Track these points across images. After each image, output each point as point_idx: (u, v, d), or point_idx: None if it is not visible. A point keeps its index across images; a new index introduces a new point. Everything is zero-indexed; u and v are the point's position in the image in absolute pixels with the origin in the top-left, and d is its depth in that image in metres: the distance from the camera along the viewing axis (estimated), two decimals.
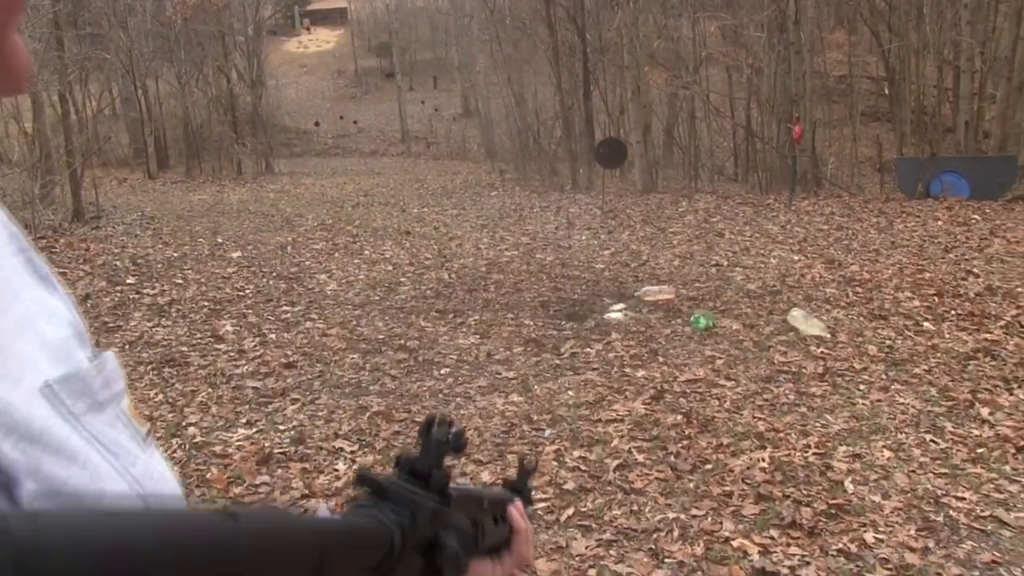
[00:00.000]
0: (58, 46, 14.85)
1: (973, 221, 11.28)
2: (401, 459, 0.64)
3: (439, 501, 0.63)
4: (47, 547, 0.35)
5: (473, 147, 34.28)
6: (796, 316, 6.93)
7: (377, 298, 8.55)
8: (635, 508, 3.96)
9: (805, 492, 4.09)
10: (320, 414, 5.36)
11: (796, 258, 9.51)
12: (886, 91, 23.24)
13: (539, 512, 3.92)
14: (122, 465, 0.59)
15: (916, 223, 11.44)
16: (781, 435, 4.77)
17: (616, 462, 4.47)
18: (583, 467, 4.43)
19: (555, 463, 4.47)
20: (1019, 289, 7.66)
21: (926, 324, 6.83)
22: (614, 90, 23.01)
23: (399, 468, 0.63)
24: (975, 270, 8.49)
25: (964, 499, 4.04)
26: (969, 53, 15.42)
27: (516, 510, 0.97)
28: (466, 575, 0.71)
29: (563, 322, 7.37)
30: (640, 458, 4.52)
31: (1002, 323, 6.72)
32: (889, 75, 20.40)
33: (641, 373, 5.87)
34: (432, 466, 0.64)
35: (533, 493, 1.12)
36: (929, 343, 6.34)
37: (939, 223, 11.30)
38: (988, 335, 6.45)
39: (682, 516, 3.88)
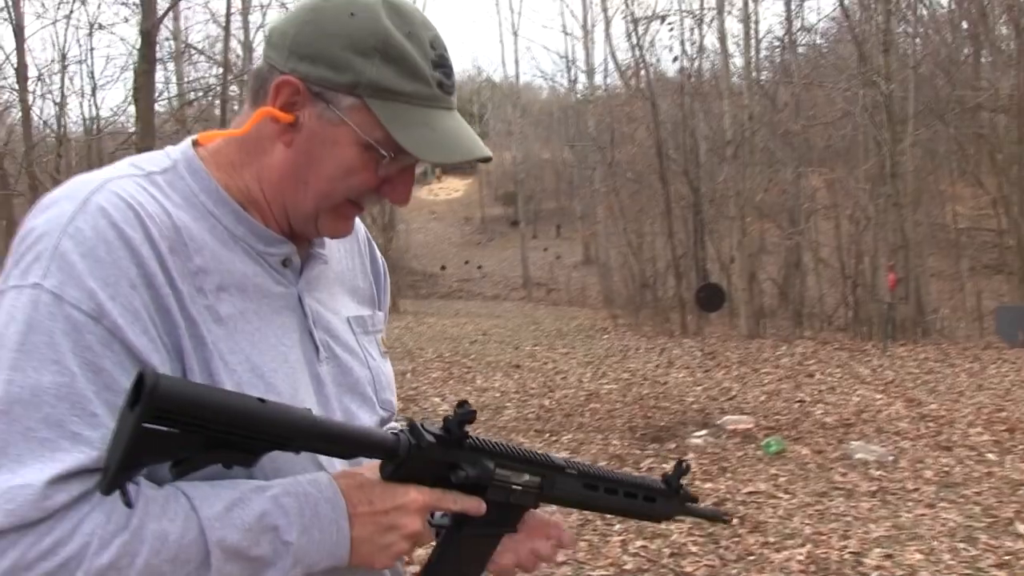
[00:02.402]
0: None
1: None
2: (445, 419, 1.03)
3: (450, 443, 1.03)
4: (170, 386, 0.80)
5: (592, 293, 35.29)
6: (856, 446, 7.52)
7: (483, 418, 9.51)
8: None
9: None
10: None
11: (878, 397, 10.02)
12: (1008, 242, 23.23)
13: None
14: (366, 359, 1.23)
15: (1009, 369, 11.73)
16: (824, 537, 5.41)
17: (671, 551, 5.20)
18: (643, 554, 5.18)
19: (619, 549, 5.23)
20: None
21: (989, 455, 7.29)
22: (725, 240, 23.87)
23: (443, 423, 1.04)
24: None
25: None
26: None
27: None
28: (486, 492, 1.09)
29: (647, 443, 8.14)
30: (694, 549, 5.24)
31: None
32: (1011, 226, 20.50)
33: (708, 484, 6.59)
34: (455, 425, 1.03)
35: (685, 488, 1.40)
36: (986, 471, 6.81)
37: None
38: None
39: None
